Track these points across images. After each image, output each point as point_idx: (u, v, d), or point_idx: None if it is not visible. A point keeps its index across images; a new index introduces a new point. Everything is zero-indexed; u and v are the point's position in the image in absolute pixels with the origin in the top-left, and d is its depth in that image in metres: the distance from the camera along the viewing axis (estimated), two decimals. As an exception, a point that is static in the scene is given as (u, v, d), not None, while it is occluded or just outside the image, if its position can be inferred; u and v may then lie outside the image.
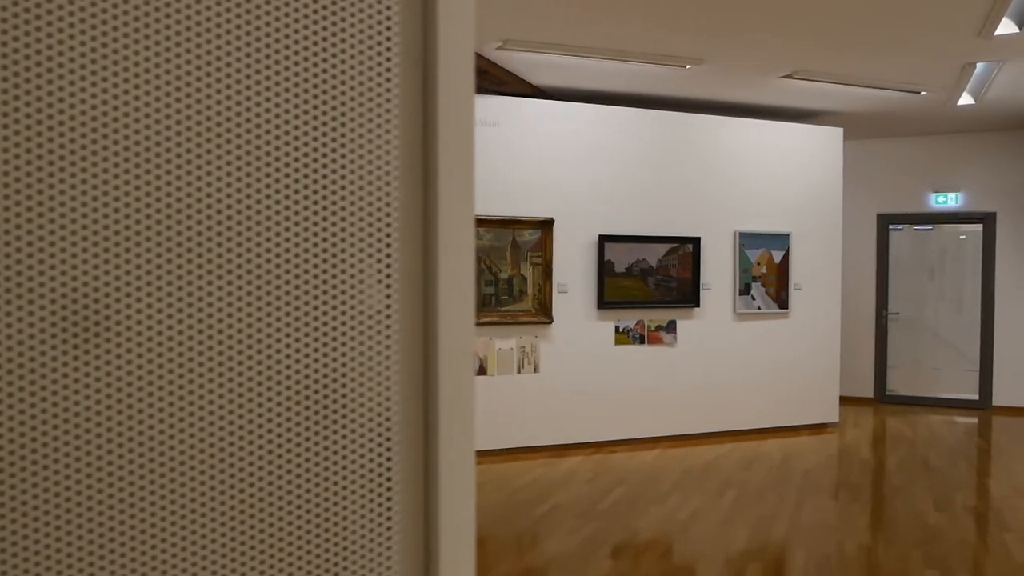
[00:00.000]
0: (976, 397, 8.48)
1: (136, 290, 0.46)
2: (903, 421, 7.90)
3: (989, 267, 8.45)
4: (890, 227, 8.86)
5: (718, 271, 6.98)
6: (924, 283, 8.83)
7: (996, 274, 8.42)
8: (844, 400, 8.16)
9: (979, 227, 8.53)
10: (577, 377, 6.51)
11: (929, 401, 8.63)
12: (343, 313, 0.49)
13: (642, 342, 6.74)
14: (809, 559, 4.12)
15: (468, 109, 0.49)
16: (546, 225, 6.34)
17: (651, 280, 6.71)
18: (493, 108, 6.21)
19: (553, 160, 6.39)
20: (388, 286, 0.49)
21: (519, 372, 6.34)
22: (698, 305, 6.86)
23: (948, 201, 8.57)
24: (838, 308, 7.48)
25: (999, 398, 8.37)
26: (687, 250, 6.81)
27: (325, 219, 0.49)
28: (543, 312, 6.36)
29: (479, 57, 5.52)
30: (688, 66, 5.78)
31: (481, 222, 6.13)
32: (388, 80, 0.48)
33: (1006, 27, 4.94)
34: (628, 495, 5.25)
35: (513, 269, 6.27)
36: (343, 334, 0.49)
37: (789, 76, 6.11)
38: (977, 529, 4.61)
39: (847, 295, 8.20)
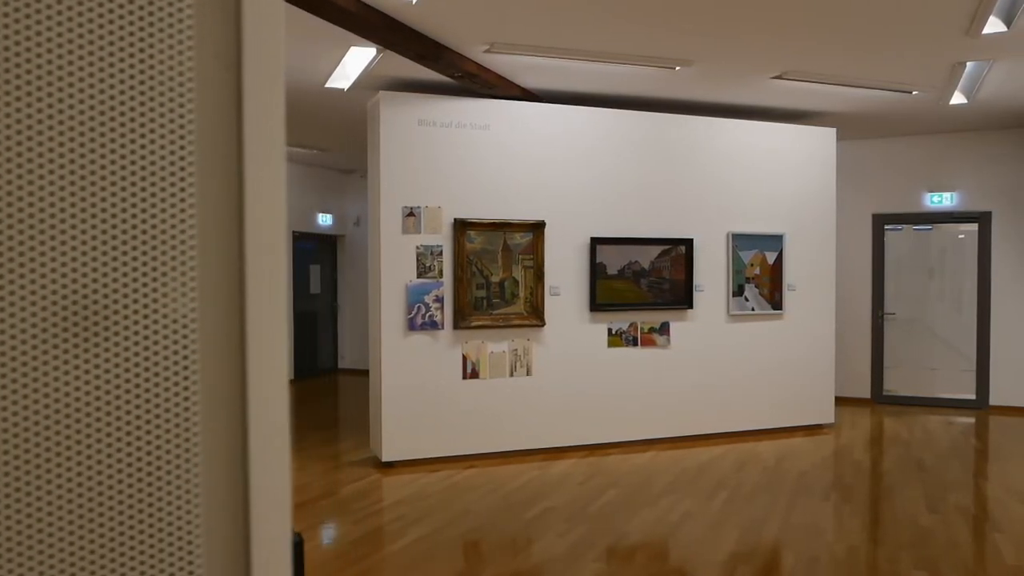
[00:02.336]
0: (973, 397, 8.45)
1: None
2: (899, 421, 7.87)
3: (985, 266, 8.42)
4: (889, 227, 8.84)
5: (711, 272, 6.97)
6: (924, 283, 8.80)
7: (992, 273, 8.39)
8: (841, 401, 8.14)
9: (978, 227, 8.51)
10: (570, 380, 6.50)
11: (927, 401, 8.60)
12: (143, 319, 0.48)
13: (635, 344, 6.73)
14: (798, 561, 4.10)
15: (277, 111, 0.49)
16: (537, 227, 6.33)
17: (644, 282, 6.70)
18: (482, 111, 6.21)
19: (544, 162, 6.39)
20: (185, 294, 0.48)
21: (512, 375, 6.33)
22: (691, 307, 6.85)
23: (944, 201, 8.55)
24: (833, 309, 7.46)
25: (996, 398, 8.34)
26: (680, 252, 6.80)
27: (116, 227, 0.48)
28: (535, 315, 6.35)
29: (468, 60, 5.52)
30: (677, 67, 5.77)
31: (472, 225, 6.13)
32: (182, 80, 0.47)
33: (993, 26, 4.92)
34: (620, 497, 5.23)
35: (505, 272, 6.26)
36: (145, 338, 0.48)
37: (779, 77, 6.10)
38: (969, 530, 4.59)
39: (843, 296, 8.18)
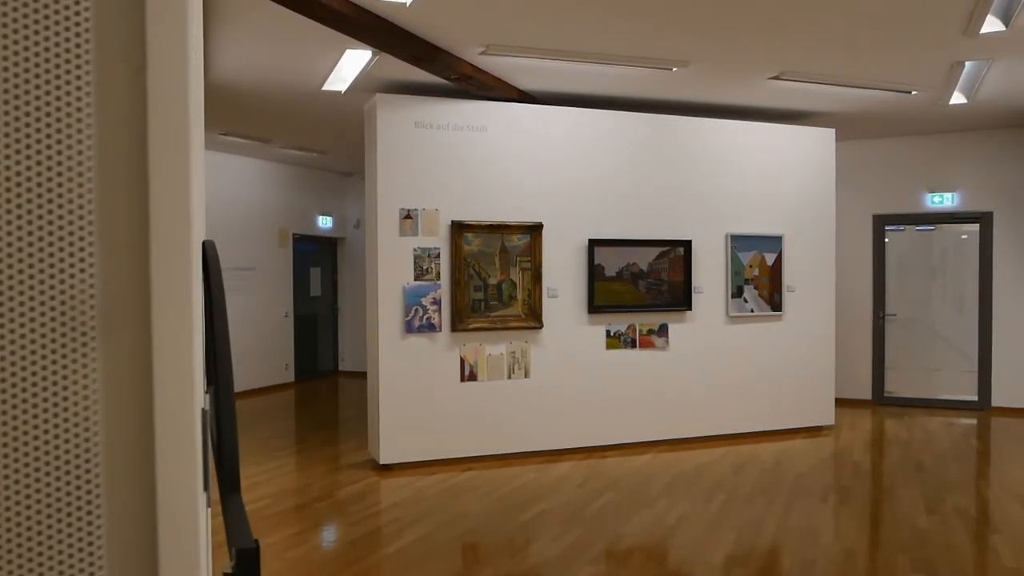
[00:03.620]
0: (975, 398, 8.41)
1: None
2: (900, 423, 7.84)
3: (987, 267, 8.38)
4: (890, 228, 8.81)
5: (710, 274, 6.95)
6: (926, 284, 8.77)
7: (994, 274, 8.36)
8: (842, 402, 8.11)
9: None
10: (568, 382, 6.48)
11: (928, 402, 8.56)
12: (40, 327, 0.47)
13: (634, 346, 6.71)
14: (795, 563, 4.08)
15: (183, 114, 0.48)
16: (535, 229, 6.32)
17: (642, 283, 6.68)
18: (479, 113, 6.21)
19: (541, 164, 6.38)
20: (84, 301, 0.48)
21: (510, 377, 6.32)
22: (690, 308, 6.83)
23: (944, 201, 8.52)
24: (832, 310, 7.44)
25: (998, 399, 8.30)
26: (678, 253, 6.78)
27: (9, 234, 0.47)
28: (533, 317, 6.34)
29: (464, 62, 5.52)
30: (674, 68, 5.76)
31: (469, 227, 6.13)
32: (79, 84, 0.46)
33: (991, 25, 4.90)
34: (617, 500, 5.22)
35: (502, 274, 6.25)
36: (45, 345, 0.47)
37: (777, 77, 6.09)
38: (967, 532, 4.56)
39: (844, 297, 8.16)
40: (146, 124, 0.48)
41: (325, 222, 11.21)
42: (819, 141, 7.35)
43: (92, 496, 0.50)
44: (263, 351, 9.94)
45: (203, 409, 0.78)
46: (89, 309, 0.49)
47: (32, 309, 0.49)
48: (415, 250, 6.02)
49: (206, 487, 0.80)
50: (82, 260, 0.49)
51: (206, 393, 1.21)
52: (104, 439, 0.50)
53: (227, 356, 1.01)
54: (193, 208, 0.50)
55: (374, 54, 5.34)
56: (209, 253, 1.16)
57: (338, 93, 6.23)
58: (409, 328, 6.00)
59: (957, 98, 6.64)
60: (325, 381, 11.07)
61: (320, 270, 11.41)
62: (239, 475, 0.91)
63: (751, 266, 7.07)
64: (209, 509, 0.88)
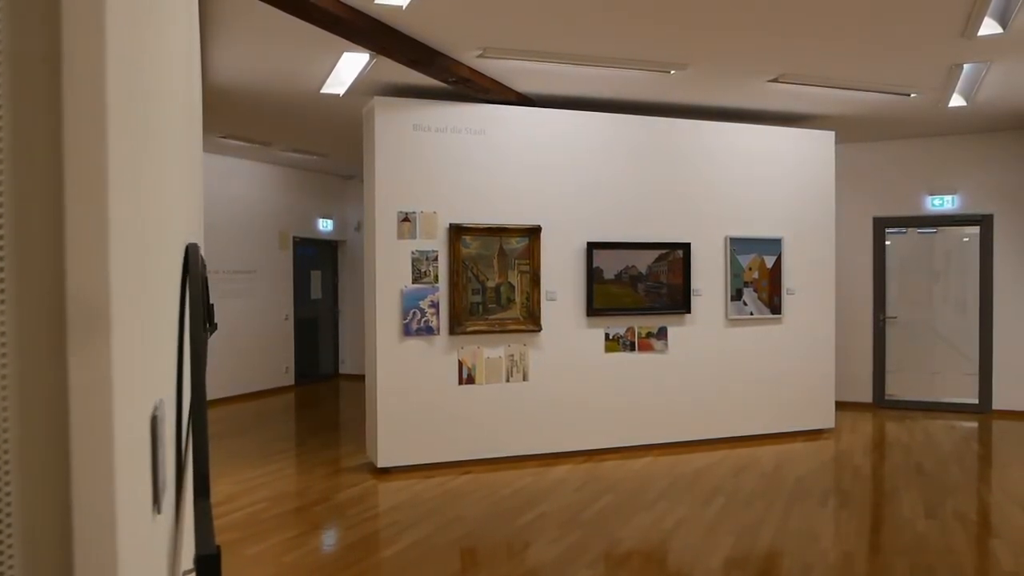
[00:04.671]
0: (976, 401, 8.38)
1: None
2: (901, 426, 7.81)
3: (987, 269, 8.36)
4: (891, 230, 8.79)
5: (709, 277, 6.94)
6: (927, 286, 8.75)
7: (995, 276, 8.33)
8: (842, 405, 8.08)
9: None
10: (567, 385, 6.47)
11: (929, 405, 8.53)
12: None
13: (633, 349, 6.70)
14: (793, 567, 4.06)
15: (99, 109, 0.47)
16: (533, 232, 6.31)
17: (641, 287, 6.67)
18: (477, 116, 6.21)
19: (540, 167, 6.38)
20: None
21: (508, 380, 6.31)
22: (689, 311, 6.81)
23: (945, 203, 8.50)
24: (832, 312, 7.41)
25: (999, 402, 8.27)
26: (677, 256, 6.77)
27: None
28: (532, 320, 6.33)
29: (461, 65, 5.52)
30: (672, 71, 5.75)
31: (468, 230, 6.12)
32: None
33: (989, 27, 4.89)
34: (615, 503, 5.20)
35: (500, 277, 6.24)
36: None
37: (776, 80, 6.08)
38: (967, 536, 4.54)
39: (844, 299, 8.13)
40: (61, 122, 0.47)
41: (326, 225, 11.21)
42: (818, 143, 7.33)
43: (2, 505, 0.49)
44: (263, 354, 9.94)
45: (154, 416, 0.77)
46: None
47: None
48: (413, 253, 6.01)
49: (157, 497, 0.79)
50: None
51: (186, 398, 1.20)
52: (16, 454, 0.49)
53: (200, 361, 1.00)
54: (112, 214, 0.48)
55: (372, 57, 5.34)
56: (190, 256, 1.15)
57: (337, 96, 6.23)
58: (407, 331, 5.99)
59: (956, 100, 6.63)
60: (325, 384, 11.07)
61: (321, 273, 11.41)
62: (208, 480, 0.90)
63: (750, 269, 7.06)
64: (158, 513, 0.88)
